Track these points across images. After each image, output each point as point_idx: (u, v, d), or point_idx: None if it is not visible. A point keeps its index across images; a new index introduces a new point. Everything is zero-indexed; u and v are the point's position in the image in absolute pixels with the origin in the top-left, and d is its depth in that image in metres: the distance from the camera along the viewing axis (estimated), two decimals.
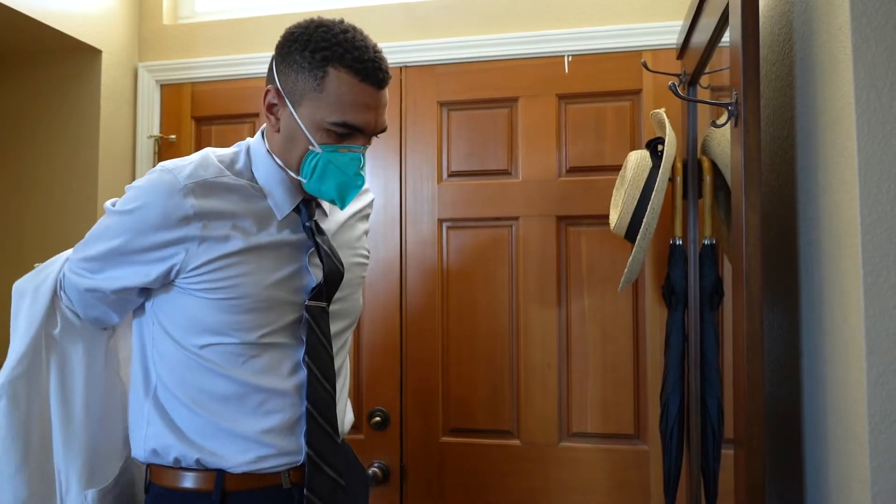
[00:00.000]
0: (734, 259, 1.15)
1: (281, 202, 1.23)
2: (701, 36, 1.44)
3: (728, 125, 1.13)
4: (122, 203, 1.19)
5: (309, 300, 1.22)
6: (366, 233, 1.46)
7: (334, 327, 1.29)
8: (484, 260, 2.02)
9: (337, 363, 1.30)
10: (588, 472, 1.92)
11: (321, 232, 1.27)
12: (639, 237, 1.43)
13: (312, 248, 1.24)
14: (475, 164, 2.04)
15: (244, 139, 2.25)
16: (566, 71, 1.99)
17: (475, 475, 1.99)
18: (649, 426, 1.88)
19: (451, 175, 2.05)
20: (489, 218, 2.02)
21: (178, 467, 1.19)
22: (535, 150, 2.00)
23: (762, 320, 1.05)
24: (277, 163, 1.22)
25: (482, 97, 2.04)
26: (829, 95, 1.00)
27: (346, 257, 1.32)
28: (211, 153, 1.24)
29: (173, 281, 1.18)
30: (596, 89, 1.97)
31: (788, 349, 1.26)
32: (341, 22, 1.19)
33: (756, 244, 1.04)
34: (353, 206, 1.41)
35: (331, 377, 1.24)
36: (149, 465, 1.24)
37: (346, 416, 1.36)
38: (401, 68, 2.09)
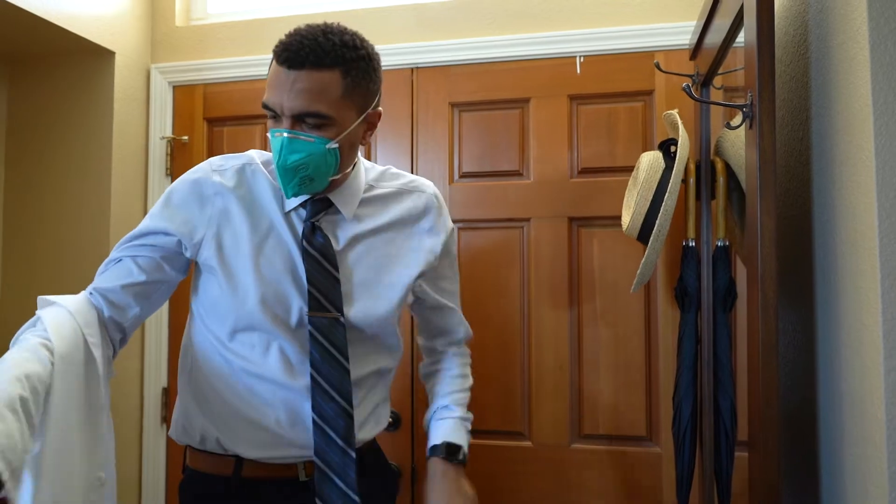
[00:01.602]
0: (748, 261, 1.14)
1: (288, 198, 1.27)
2: (715, 37, 1.43)
3: (742, 127, 1.12)
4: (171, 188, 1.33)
5: (309, 311, 1.22)
6: (440, 253, 1.38)
7: (354, 335, 1.27)
8: (495, 261, 2.01)
9: (360, 372, 1.29)
10: (600, 474, 1.92)
11: (319, 234, 1.26)
12: (651, 238, 1.43)
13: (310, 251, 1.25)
14: (487, 165, 2.04)
15: (256, 140, 2.26)
16: (578, 72, 1.99)
17: (486, 476, 1.99)
18: (661, 428, 1.88)
19: (463, 176, 2.05)
20: (500, 219, 2.02)
21: (202, 450, 1.27)
22: (547, 150, 1.99)
23: (777, 323, 1.04)
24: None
25: (494, 98, 2.04)
26: (846, 97, 0.99)
27: (372, 266, 1.30)
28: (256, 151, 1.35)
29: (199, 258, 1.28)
30: (608, 90, 1.97)
31: (803, 351, 1.25)
32: (319, 24, 1.22)
33: (771, 246, 1.03)
34: (400, 212, 1.35)
35: (344, 389, 1.22)
36: (185, 447, 1.34)
37: (369, 424, 1.33)
38: (412, 69, 2.09)
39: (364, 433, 1.31)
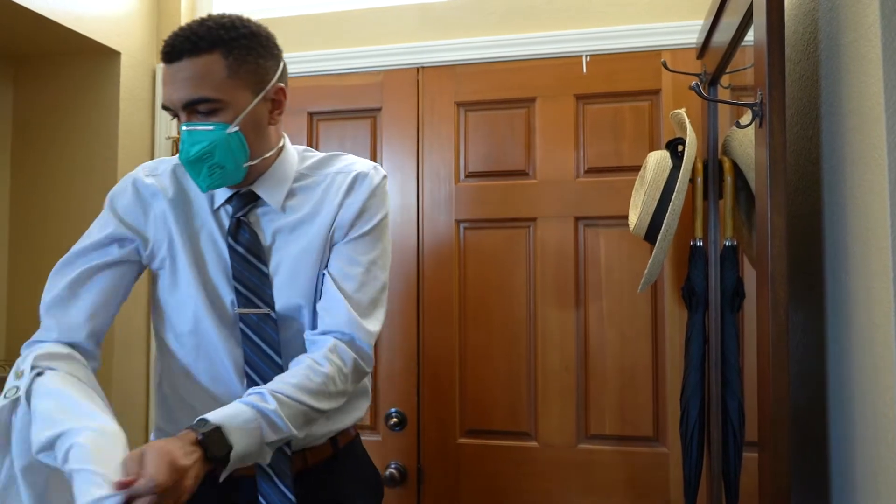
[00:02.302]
0: (757, 261, 1.14)
1: (217, 192, 1.27)
2: (723, 35, 1.43)
3: (751, 125, 1.12)
4: None
5: (238, 308, 1.22)
6: (333, 229, 1.27)
7: (292, 329, 1.25)
8: (501, 261, 2.01)
9: None
10: (606, 475, 1.91)
11: (244, 229, 1.24)
12: (659, 238, 1.42)
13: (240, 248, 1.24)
14: (492, 165, 2.03)
15: None
16: (584, 71, 1.98)
17: (492, 477, 1.98)
18: (669, 429, 1.87)
19: (469, 176, 2.05)
20: (506, 219, 2.01)
21: None
22: (553, 150, 1.99)
23: (787, 322, 1.03)
24: None
25: (500, 97, 2.04)
26: (857, 95, 0.99)
27: (294, 258, 1.25)
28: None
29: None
30: (614, 89, 1.96)
31: (813, 351, 1.24)
32: (199, 18, 1.20)
33: (781, 246, 1.03)
34: (327, 199, 1.28)
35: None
36: None
37: (334, 416, 1.27)
38: (418, 69, 2.09)
39: (329, 425, 1.29)
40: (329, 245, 1.27)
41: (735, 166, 1.42)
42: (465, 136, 2.06)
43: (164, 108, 1.18)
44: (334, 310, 1.22)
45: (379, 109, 2.12)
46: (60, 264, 1.26)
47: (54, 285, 1.24)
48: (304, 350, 1.23)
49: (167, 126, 2.29)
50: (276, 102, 1.26)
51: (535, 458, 1.96)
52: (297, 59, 2.17)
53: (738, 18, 1.25)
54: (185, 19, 2.32)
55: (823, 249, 1.17)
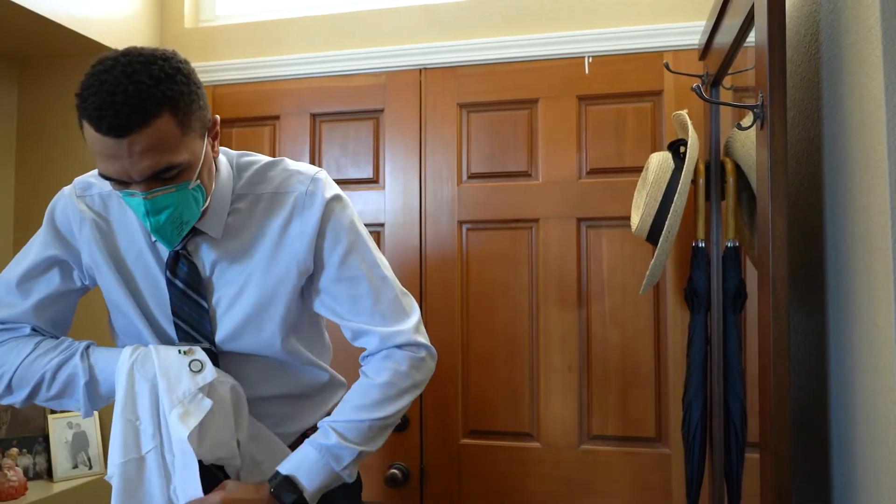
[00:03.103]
0: (759, 262, 1.14)
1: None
2: (725, 37, 1.43)
3: (753, 127, 1.12)
4: None
5: (178, 343, 1.22)
6: (312, 249, 1.23)
7: (238, 361, 1.25)
8: (504, 262, 2.01)
9: (263, 393, 1.27)
10: (609, 476, 1.91)
11: (183, 263, 1.21)
12: (661, 239, 1.43)
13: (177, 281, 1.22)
14: (495, 166, 2.03)
15: (265, 142, 2.25)
16: (587, 72, 1.98)
17: (495, 477, 1.98)
18: (671, 429, 1.87)
19: (471, 177, 2.05)
20: (509, 220, 2.01)
21: None
22: (556, 151, 1.99)
23: (788, 324, 1.04)
24: None
25: (502, 99, 2.04)
26: (858, 97, 0.99)
27: (245, 288, 1.22)
28: None
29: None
30: (617, 90, 1.96)
31: (814, 353, 1.24)
32: (116, 58, 1.05)
33: (782, 248, 1.03)
34: (270, 221, 1.23)
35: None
36: None
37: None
38: (420, 70, 2.09)
39: (300, 423, 1.33)
40: (306, 271, 1.24)
41: (737, 167, 1.42)
42: (467, 137, 2.06)
43: (107, 177, 1.06)
44: (366, 337, 1.25)
45: (381, 111, 2.13)
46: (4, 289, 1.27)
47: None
48: (256, 378, 1.26)
49: None
50: (215, 133, 1.19)
51: (537, 459, 1.96)
52: (300, 61, 2.17)
53: (740, 20, 1.26)
54: (188, 21, 2.33)
55: (825, 251, 1.17)
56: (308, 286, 1.27)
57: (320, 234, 1.22)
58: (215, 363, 1.21)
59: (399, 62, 2.10)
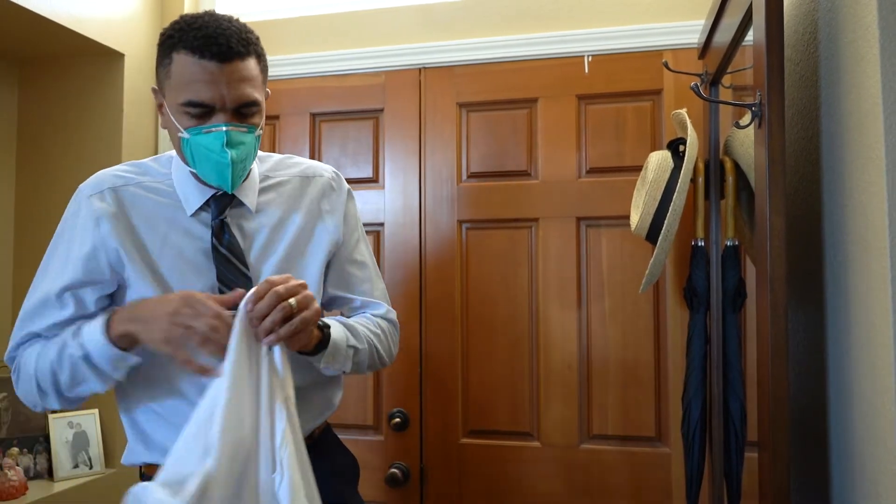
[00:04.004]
0: (758, 261, 1.14)
1: (191, 198, 1.24)
2: (723, 35, 1.43)
3: (751, 126, 1.12)
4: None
5: (219, 285, 1.20)
6: (342, 226, 1.35)
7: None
8: (503, 261, 2.01)
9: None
10: (609, 475, 1.91)
11: (227, 231, 1.23)
12: (660, 238, 1.42)
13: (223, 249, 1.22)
14: (494, 166, 2.03)
15: (264, 141, 2.25)
16: (586, 71, 1.98)
17: (495, 477, 1.98)
18: (671, 428, 1.87)
19: (471, 176, 2.05)
20: (509, 219, 2.01)
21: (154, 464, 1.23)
22: (555, 150, 1.99)
23: (787, 323, 1.03)
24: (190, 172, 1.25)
25: (501, 98, 2.04)
26: (856, 95, 0.99)
27: (280, 258, 1.27)
28: (134, 162, 1.32)
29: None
30: (616, 89, 1.96)
31: (813, 352, 1.24)
32: (205, 14, 1.18)
33: (780, 246, 1.03)
34: (300, 200, 1.32)
35: None
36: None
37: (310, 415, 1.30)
38: (419, 70, 2.09)
39: (311, 422, 1.31)
40: (336, 245, 1.35)
41: (736, 166, 1.42)
42: (466, 136, 2.06)
43: (194, 104, 1.14)
44: (374, 306, 1.40)
45: (381, 110, 2.13)
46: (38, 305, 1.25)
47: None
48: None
49: None
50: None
51: (537, 459, 1.96)
52: (300, 61, 2.17)
53: (738, 19, 1.25)
54: None
55: (823, 250, 1.17)
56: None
57: (345, 217, 1.37)
58: None
59: (398, 62, 2.10)
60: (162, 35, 1.19)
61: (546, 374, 1.96)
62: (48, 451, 2.05)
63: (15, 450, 2.00)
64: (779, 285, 1.03)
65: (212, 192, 1.24)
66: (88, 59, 2.19)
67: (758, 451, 1.11)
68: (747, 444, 1.36)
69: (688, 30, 1.88)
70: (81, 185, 1.30)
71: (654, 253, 1.44)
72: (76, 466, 2.05)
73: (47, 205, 2.23)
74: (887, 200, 0.88)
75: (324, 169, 1.39)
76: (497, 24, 2.06)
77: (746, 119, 1.14)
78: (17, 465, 1.95)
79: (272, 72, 2.23)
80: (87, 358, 1.15)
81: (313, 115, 2.17)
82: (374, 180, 2.12)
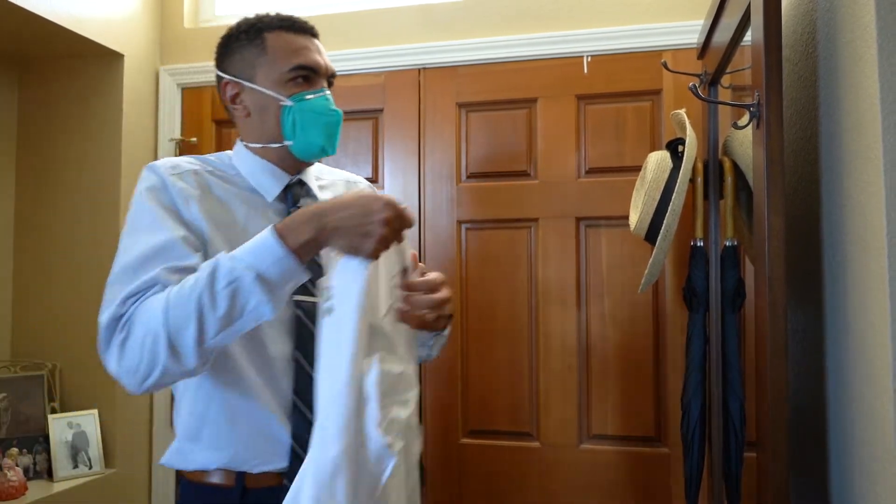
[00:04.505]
0: (757, 261, 1.14)
1: (268, 186, 1.25)
2: (722, 35, 1.43)
3: (750, 126, 1.12)
4: (132, 200, 1.20)
5: (294, 294, 1.17)
6: None
7: None
8: (503, 261, 2.01)
9: None
10: (608, 475, 1.91)
11: None
12: (659, 238, 1.42)
13: None
14: (494, 166, 2.03)
15: None
16: (585, 71, 1.98)
17: (495, 477, 1.98)
18: (670, 429, 1.87)
19: (470, 176, 2.05)
20: (508, 219, 2.01)
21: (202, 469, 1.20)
22: (555, 151, 1.99)
23: (786, 323, 1.03)
24: (257, 154, 1.26)
25: (501, 98, 2.04)
26: (854, 95, 0.99)
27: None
28: (193, 156, 1.29)
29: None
30: (615, 90, 1.96)
31: (812, 352, 1.24)
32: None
33: (779, 247, 1.03)
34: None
35: None
36: None
37: None
38: (419, 70, 2.09)
39: None
40: None
41: (735, 166, 1.42)
42: (466, 136, 2.06)
43: (306, 66, 1.23)
44: None
45: (381, 110, 2.13)
46: (121, 272, 1.10)
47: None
48: None
49: (170, 127, 2.30)
50: None
51: (537, 459, 1.96)
52: None
53: (737, 19, 1.25)
54: (188, 21, 2.33)
55: (822, 250, 1.17)
56: None
57: None
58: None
59: (398, 62, 2.10)
60: (240, 25, 1.28)
61: (546, 374, 1.96)
62: (48, 451, 2.05)
63: (14, 450, 2.00)
64: (778, 285, 1.03)
65: (288, 179, 1.26)
66: (88, 60, 2.19)
67: (757, 450, 1.11)
68: (747, 443, 1.36)
69: (687, 30, 1.88)
70: (154, 164, 1.21)
71: (654, 253, 1.44)
72: (76, 467, 2.05)
73: (47, 205, 2.23)
74: (885, 200, 0.88)
75: (358, 178, 1.43)
76: (496, 25, 2.07)
77: (745, 120, 1.14)
78: (17, 466, 1.95)
79: None
80: (260, 278, 1.01)
81: None
82: (373, 180, 2.12)
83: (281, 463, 1.17)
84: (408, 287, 1.13)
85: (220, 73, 1.28)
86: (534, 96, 2.02)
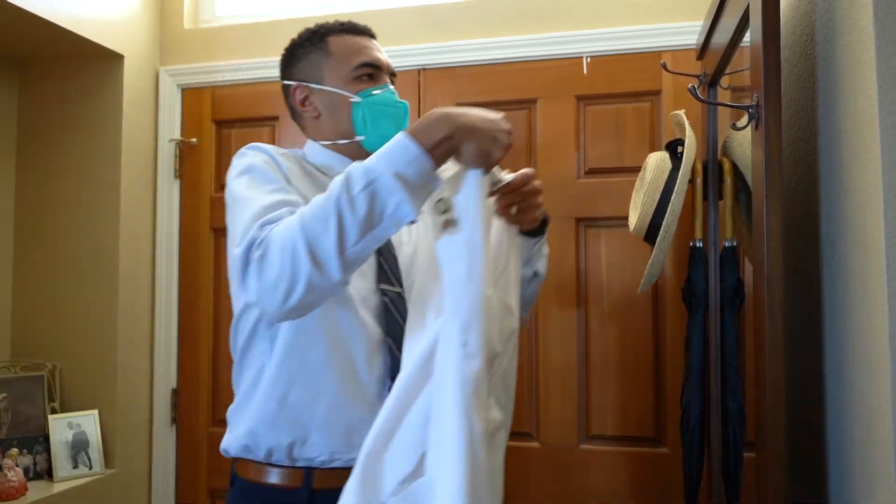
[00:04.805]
0: (756, 262, 1.14)
1: None
2: (721, 36, 1.43)
3: (749, 127, 1.12)
4: (239, 169, 1.18)
5: (380, 283, 1.21)
6: None
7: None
8: None
9: None
10: (607, 475, 1.91)
11: None
12: (658, 239, 1.43)
13: None
14: None
15: (264, 142, 2.26)
16: (585, 72, 1.98)
17: None
18: (669, 429, 1.87)
19: None
20: None
21: (267, 462, 1.18)
22: (554, 151, 1.99)
23: (785, 324, 1.04)
24: (331, 150, 1.30)
25: (501, 99, 2.04)
26: (852, 97, 0.99)
27: (415, 236, 1.31)
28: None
29: None
30: (615, 90, 1.96)
31: (811, 352, 1.24)
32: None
33: (778, 247, 1.03)
34: None
35: None
36: (235, 459, 1.24)
37: None
38: (419, 70, 2.09)
39: None
40: None
41: (735, 167, 1.42)
42: None
43: (370, 64, 1.29)
44: None
45: None
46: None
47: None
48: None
49: (170, 128, 2.30)
50: None
51: (536, 459, 1.96)
52: None
53: (736, 20, 1.26)
54: (187, 21, 2.33)
55: (821, 251, 1.17)
56: None
57: None
58: (405, 308, 1.20)
59: (397, 63, 2.07)
60: (302, 35, 1.35)
61: (545, 374, 1.96)
62: (48, 451, 2.05)
63: (14, 450, 2.00)
64: (777, 285, 1.03)
65: None
66: (88, 61, 2.19)
67: (756, 450, 1.11)
68: (746, 444, 1.36)
69: (686, 31, 1.88)
70: (258, 144, 1.24)
71: (653, 253, 1.45)
72: (76, 467, 2.05)
73: (47, 205, 2.23)
74: (883, 201, 0.89)
75: None
76: (496, 25, 2.07)
77: (744, 121, 1.14)
78: (17, 466, 1.95)
79: (272, 72, 2.22)
80: (398, 177, 0.98)
81: None
82: None
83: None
84: (502, 190, 1.15)
85: (287, 82, 1.34)
86: (533, 97, 2.02)
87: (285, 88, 1.36)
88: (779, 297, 1.03)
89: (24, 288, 2.23)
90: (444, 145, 1.02)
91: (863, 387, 0.99)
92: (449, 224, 1.02)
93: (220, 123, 2.28)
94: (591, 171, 1.97)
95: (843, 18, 1.02)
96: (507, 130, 1.10)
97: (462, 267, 1.00)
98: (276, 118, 2.20)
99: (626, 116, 1.96)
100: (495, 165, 1.09)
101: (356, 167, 1.01)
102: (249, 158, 1.20)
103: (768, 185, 1.03)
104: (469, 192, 1.04)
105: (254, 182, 1.15)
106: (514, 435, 1.99)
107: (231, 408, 1.25)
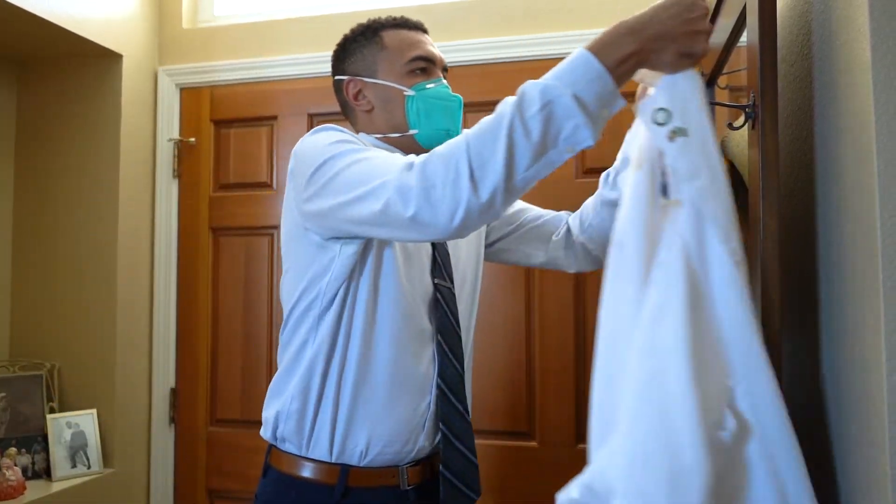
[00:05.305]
0: (752, 262, 1.14)
1: None
2: (719, 36, 1.43)
3: (745, 127, 1.12)
4: (331, 144, 1.15)
5: (434, 279, 1.24)
6: None
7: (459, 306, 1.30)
8: None
9: (464, 342, 1.30)
10: None
11: None
12: None
13: None
14: None
15: (262, 142, 2.28)
16: None
17: (491, 477, 1.99)
18: None
19: None
20: None
21: (302, 455, 1.17)
22: None
23: (782, 324, 1.04)
24: (383, 143, 1.31)
25: (500, 99, 2.03)
26: (849, 97, 0.99)
27: (461, 244, 1.35)
28: None
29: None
30: None
31: (807, 353, 1.24)
32: None
33: (774, 248, 1.03)
34: None
35: (459, 356, 1.25)
36: (272, 447, 1.23)
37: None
38: None
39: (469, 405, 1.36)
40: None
41: (732, 167, 1.42)
42: None
43: (424, 58, 1.33)
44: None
45: None
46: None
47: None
48: (455, 333, 1.27)
49: (169, 128, 2.31)
50: None
51: (534, 458, 1.96)
52: (298, 62, 2.18)
53: (733, 20, 1.26)
54: (186, 21, 2.34)
55: (817, 251, 1.17)
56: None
57: None
58: (455, 304, 1.26)
59: None
60: (354, 30, 1.37)
61: (543, 373, 1.96)
62: (46, 451, 2.06)
63: (13, 450, 2.01)
64: (772, 286, 1.03)
65: None
66: (87, 60, 2.20)
67: None
68: None
69: None
70: (333, 125, 1.23)
71: None
72: (74, 466, 2.05)
73: (46, 205, 2.24)
74: (879, 201, 0.89)
75: None
76: (497, 25, 2.07)
77: (740, 120, 1.14)
78: (16, 465, 1.95)
79: (271, 72, 2.24)
80: (576, 98, 0.91)
81: (311, 116, 2.17)
82: None
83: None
84: None
85: (340, 76, 1.35)
86: None
87: (337, 83, 1.37)
88: (775, 297, 1.03)
89: (22, 287, 2.24)
90: (630, 61, 0.94)
91: (859, 388, 0.99)
92: (676, 133, 0.92)
93: (218, 123, 2.28)
94: (589, 171, 1.97)
95: (840, 18, 1.02)
96: (702, 14, 0.94)
97: (704, 175, 0.92)
98: (274, 118, 2.20)
99: (623, 115, 1.95)
100: (703, 58, 0.97)
101: (531, 85, 0.94)
102: (334, 136, 1.16)
103: (765, 186, 1.03)
104: (688, 96, 0.95)
105: (344, 150, 1.12)
106: (513, 434, 2.00)
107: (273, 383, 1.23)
